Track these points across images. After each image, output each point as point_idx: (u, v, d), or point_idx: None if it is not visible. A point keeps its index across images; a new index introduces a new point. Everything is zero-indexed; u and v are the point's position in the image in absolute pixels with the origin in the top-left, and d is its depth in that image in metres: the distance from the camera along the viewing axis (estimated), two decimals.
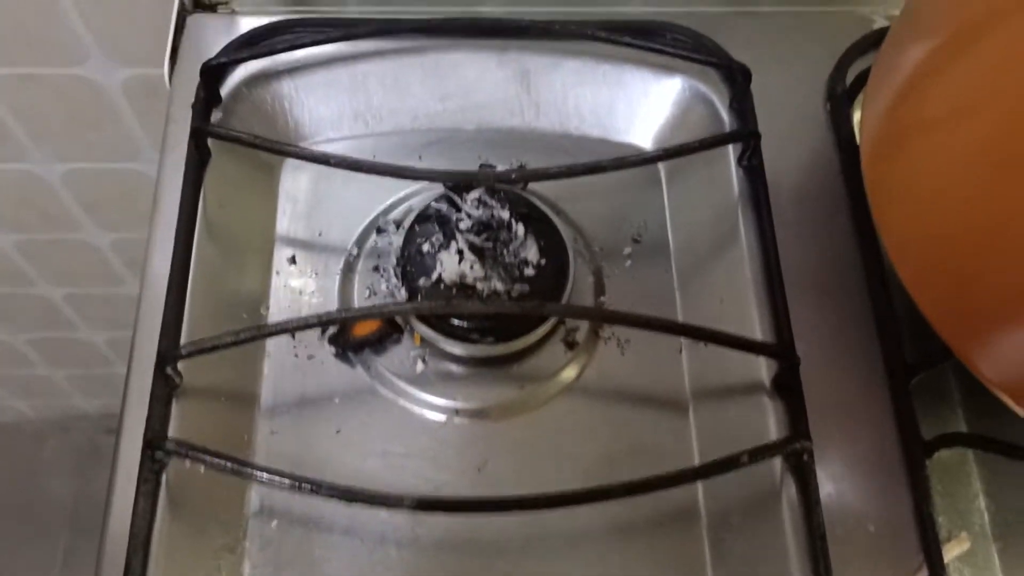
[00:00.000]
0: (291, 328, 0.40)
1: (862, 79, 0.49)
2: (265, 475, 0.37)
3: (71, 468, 1.37)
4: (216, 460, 0.37)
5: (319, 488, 0.37)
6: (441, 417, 0.44)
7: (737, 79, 0.47)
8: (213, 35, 0.50)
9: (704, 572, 0.42)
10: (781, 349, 0.41)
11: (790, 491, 0.40)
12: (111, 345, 1.16)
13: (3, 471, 1.36)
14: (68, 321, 1.09)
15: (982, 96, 0.34)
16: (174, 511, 0.39)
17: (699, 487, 0.43)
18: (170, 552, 0.38)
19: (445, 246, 0.43)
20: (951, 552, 0.40)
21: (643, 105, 0.50)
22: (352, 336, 0.44)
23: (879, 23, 0.52)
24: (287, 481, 0.37)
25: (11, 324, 1.09)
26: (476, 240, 0.43)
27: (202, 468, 0.40)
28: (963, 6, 0.36)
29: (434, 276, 0.43)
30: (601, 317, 0.44)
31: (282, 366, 0.45)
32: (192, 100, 0.47)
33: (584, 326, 0.45)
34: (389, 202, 0.48)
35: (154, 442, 0.38)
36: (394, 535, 0.41)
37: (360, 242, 0.47)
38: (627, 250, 0.48)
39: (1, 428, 1.37)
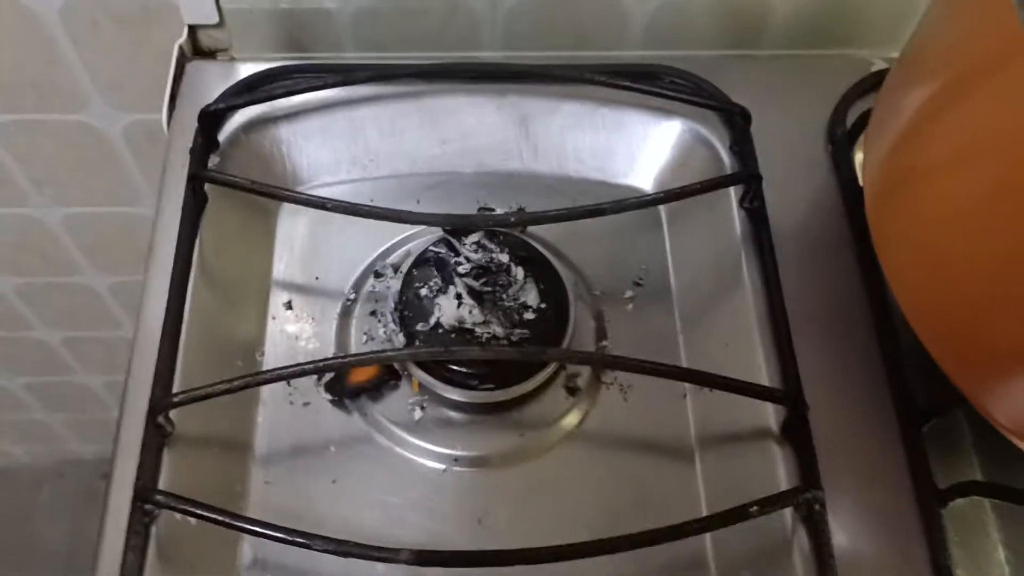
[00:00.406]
0: (285, 376, 0.39)
1: (863, 121, 0.48)
2: (257, 528, 0.36)
3: (66, 513, 1.36)
4: (207, 514, 0.36)
5: (312, 542, 0.36)
6: (440, 466, 0.43)
7: (737, 122, 0.47)
8: (212, 81, 0.50)
9: None
10: (789, 395, 0.40)
11: (802, 542, 0.39)
12: (108, 389, 1.15)
13: (2, 515, 1.35)
14: (66, 365, 1.08)
15: (982, 141, 0.34)
16: (164, 563, 0.38)
17: (707, 538, 0.42)
18: None
19: (443, 290, 0.43)
20: None
21: (643, 148, 0.50)
22: (349, 383, 0.43)
23: (877, 65, 0.52)
24: (279, 535, 0.36)
25: (9, 368, 1.09)
26: (475, 284, 0.42)
27: (192, 520, 0.39)
28: (960, 51, 0.35)
29: (432, 321, 0.42)
30: (603, 363, 0.43)
31: (277, 414, 0.44)
32: (190, 145, 0.46)
33: (586, 371, 0.45)
34: (387, 246, 0.48)
35: (144, 493, 0.37)
36: None
37: (357, 286, 0.46)
38: (629, 293, 0.47)
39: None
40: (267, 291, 0.47)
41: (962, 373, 0.37)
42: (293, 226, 0.49)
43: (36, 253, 0.86)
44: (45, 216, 0.80)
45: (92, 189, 0.77)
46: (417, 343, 0.42)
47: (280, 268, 0.47)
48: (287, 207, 0.49)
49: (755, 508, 0.37)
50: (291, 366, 0.39)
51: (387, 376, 0.43)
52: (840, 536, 0.39)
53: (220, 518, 0.36)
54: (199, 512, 0.36)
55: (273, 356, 0.45)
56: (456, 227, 0.43)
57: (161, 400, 0.38)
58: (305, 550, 0.38)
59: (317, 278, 0.47)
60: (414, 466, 0.43)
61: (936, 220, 0.37)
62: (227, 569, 0.40)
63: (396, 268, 0.46)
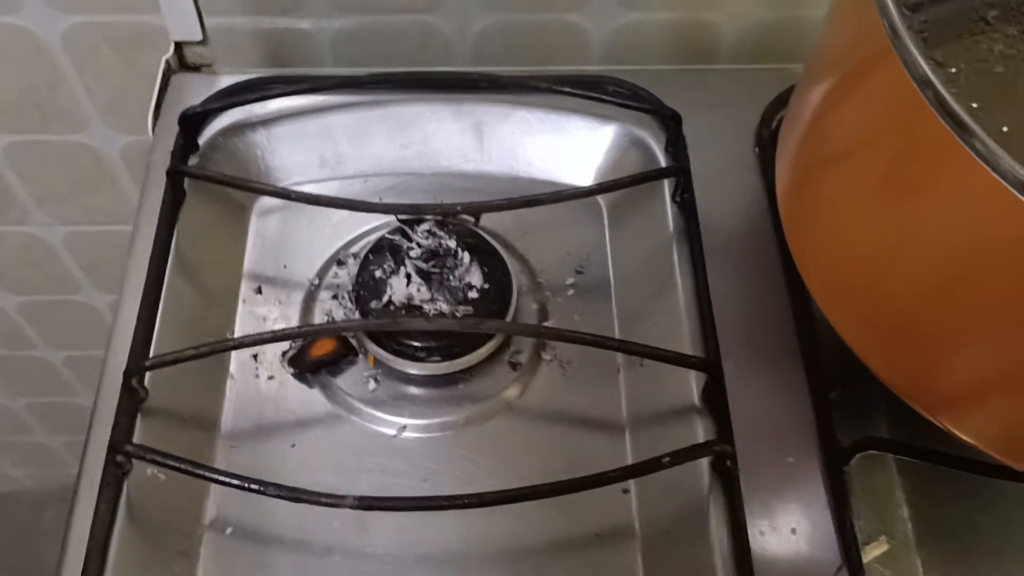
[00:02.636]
0: (248, 343, 0.43)
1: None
2: (218, 476, 0.40)
3: None
4: (173, 463, 0.40)
5: (266, 488, 0.40)
6: (391, 432, 0.46)
7: (670, 124, 0.52)
8: (195, 92, 0.55)
9: None
10: (708, 363, 0.44)
11: (717, 498, 0.43)
12: None
13: (4, 540, 1.37)
14: (67, 385, 1.11)
15: (863, 134, 0.38)
16: (133, 518, 0.42)
17: (633, 503, 0.46)
18: (127, 555, 0.41)
19: (395, 272, 0.47)
20: (870, 554, 0.42)
21: (586, 150, 0.54)
22: (309, 357, 0.47)
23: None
24: (237, 483, 0.40)
25: (12, 388, 1.12)
26: (424, 266, 0.47)
27: (161, 477, 0.43)
28: (842, 58, 0.40)
29: (384, 299, 0.46)
30: (536, 333, 0.47)
31: (244, 387, 0.48)
32: (170, 149, 0.51)
33: (527, 349, 0.49)
34: (349, 239, 0.52)
35: (117, 445, 0.40)
36: (341, 545, 0.43)
37: (321, 274, 0.51)
38: (570, 280, 0.51)
39: (2, 498, 1.39)
40: (238, 278, 0.51)
41: (860, 340, 0.41)
42: (264, 221, 0.53)
43: (38, 271, 0.89)
44: (46, 234, 0.84)
45: (91, 208, 0.81)
46: (370, 319, 0.46)
47: (252, 258, 0.52)
48: (259, 204, 0.54)
49: (667, 459, 0.41)
50: (253, 335, 0.43)
51: (345, 351, 0.47)
52: (752, 492, 0.43)
53: (185, 467, 0.40)
54: (167, 462, 0.40)
55: (242, 335, 0.49)
56: (407, 214, 0.47)
57: (136, 364, 0.43)
58: (265, 511, 0.42)
59: (285, 266, 0.51)
60: (368, 432, 0.46)
61: (831, 205, 0.41)
62: (191, 525, 0.44)
63: (356, 256, 0.50)
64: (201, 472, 0.40)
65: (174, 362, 0.42)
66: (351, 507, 0.40)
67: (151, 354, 0.45)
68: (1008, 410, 0.38)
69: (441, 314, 0.46)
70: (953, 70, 0.32)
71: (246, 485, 0.40)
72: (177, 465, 0.40)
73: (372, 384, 0.47)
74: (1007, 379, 0.37)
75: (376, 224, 0.52)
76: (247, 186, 0.49)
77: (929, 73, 0.30)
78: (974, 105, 0.30)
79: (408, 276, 0.46)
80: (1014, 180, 0.29)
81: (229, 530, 0.44)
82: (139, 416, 0.44)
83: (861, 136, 0.38)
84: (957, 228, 0.34)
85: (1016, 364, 0.36)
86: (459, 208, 0.47)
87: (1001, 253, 0.33)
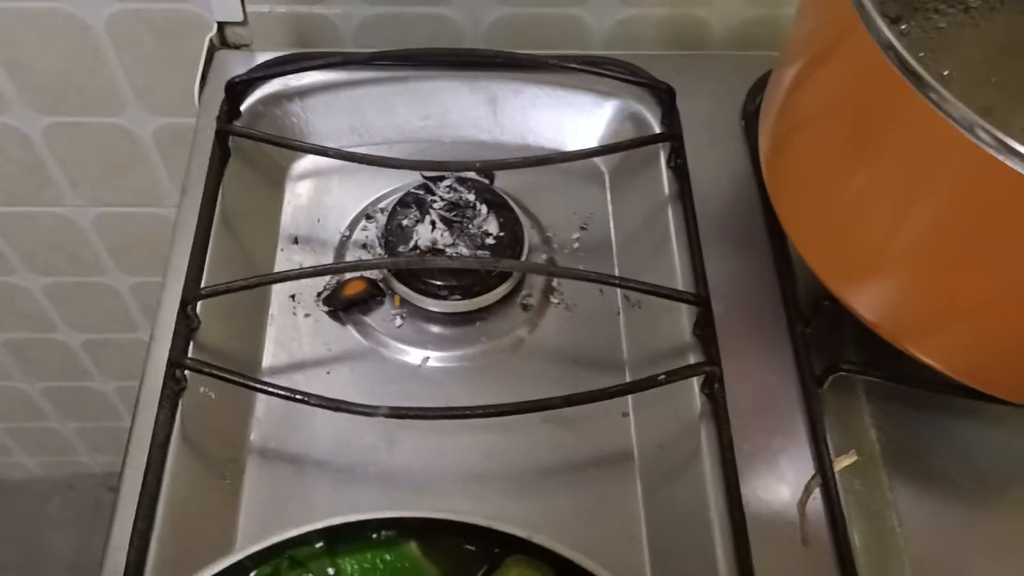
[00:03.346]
0: (291, 276, 0.49)
1: None
2: (268, 387, 0.45)
3: (74, 524, 1.41)
4: (228, 375, 0.46)
5: (310, 398, 0.45)
6: (415, 363, 0.52)
7: (665, 98, 0.58)
8: (235, 66, 0.61)
9: (636, 495, 0.49)
10: (698, 298, 0.50)
11: (707, 419, 0.48)
12: (121, 396, 1.21)
13: (9, 527, 1.41)
14: (84, 370, 1.15)
15: (823, 109, 0.45)
16: (186, 431, 0.47)
17: (632, 428, 0.51)
18: (183, 460, 0.46)
19: (421, 220, 0.53)
20: (840, 463, 0.47)
21: (589, 123, 0.60)
22: (342, 296, 0.53)
23: None
24: (284, 392, 0.45)
25: (31, 372, 1.15)
26: (447, 215, 0.52)
27: (212, 395, 0.48)
28: (813, 33, 0.46)
29: (411, 243, 0.52)
30: (547, 272, 0.53)
31: (282, 325, 0.53)
32: (216, 114, 0.57)
33: (537, 292, 0.54)
34: (376, 196, 0.58)
35: (177, 360, 0.46)
36: (373, 458, 0.49)
37: (352, 226, 0.56)
38: (575, 235, 0.57)
39: (9, 485, 1.42)
40: (277, 229, 0.57)
41: (831, 276, 0.47)
42: (299, 184, 0.59)
43: (65, 253, 0.94)
44: (78, 216, 0.89)
45: (121, 189, 0.85)
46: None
47: (288, 212, 0.57)
48: (295, 168, 0.59)
49: (663, 376, 0.46)
50: (295, 270, 0.49)
51: (374, 292, 0.53)
52: (737, 411, 0.48)
53: (239, 379, 0.46)
54: (222, 375, 0.46)
55: None
56: (431, 171, 0.53)
57: (191, 293, 0.48)
58: (303, 428, 0.47)
59: (319, 220, 0.57)
60: (394, 363, 0.52)
61: (805, 163, 0.47)
62: (238, 439, 0.49)
63: (384, 211, 0.56)
64: (253, 384, 0.46)
65: (227, 291, 0.48)
66: (384, 415, 0.45)
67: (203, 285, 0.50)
68: (964, 333, 0.44)
69: (461, 256, 0.51)
70: (903, 27, 0.38)
71: (292, 396, 0.45)
72: (231, 377, 0.45)
73: (398, 321, 0.53)
74: (961, 305, 0.43)
75: (400, 185, 0.58)
76: (289, 144, 0.54)
77: (892, 39, 0.36)
78: (921, 55, 0.36)
79: (432, 223, 0.52)
80: (963, 121, 0.35)
81: (272, 444, 0.49)
82: (191, 345, 0.49)
83: (831, 97, 0.44)
84: (915, 168, 0.40)
85: (967, 291, 0.42)
86: (478, 165, 0.53)
87: (952, 187, 0.39)
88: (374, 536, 0.32)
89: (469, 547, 0.33)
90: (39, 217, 0.89)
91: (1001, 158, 0.34)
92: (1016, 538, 0.47)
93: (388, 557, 0.32)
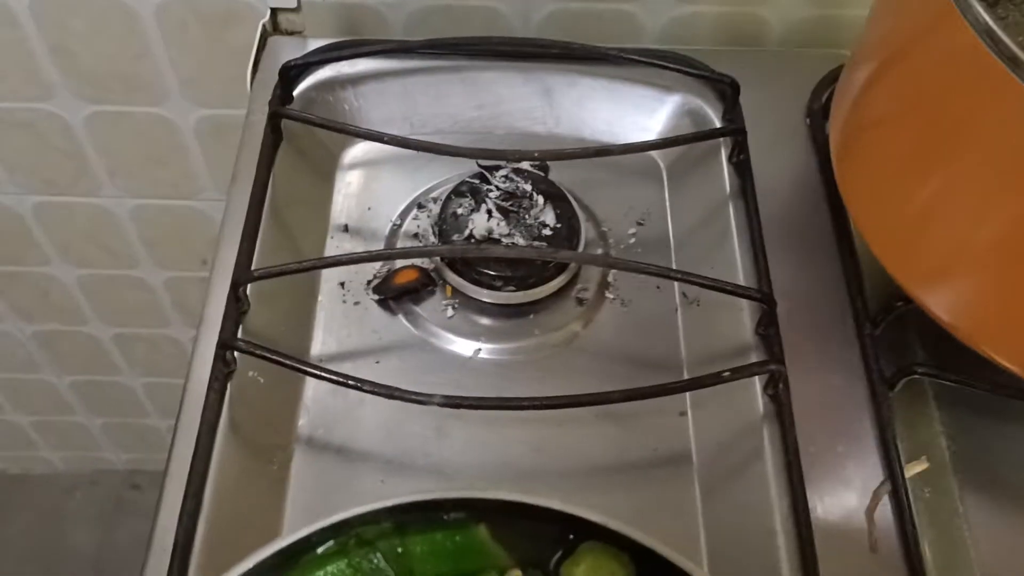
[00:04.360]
0: (344, 261, 0.48)
1: (832, 97, 0.57)
2: (320, 372, 0.44)
3: (96, 520, 1.41)
4: (278, 358, 0.44)
5: (362, 384, 0.44)
6: (466, 354, 0.50)
7: (727, 92, 0.56)
8: (288, 52, 0.60)
9: (694, 496, 0.47)
10: (762, 294, 0.48)
11: (770, 420, 0.47)
12: (148, 392, 1.21)
13: (32, 521, 1.40)
14: (113, 364, 1.14)
15: (905, 102, 0.43)
16: (235, 418, 0.46)
17: (690, 427, 0.49)
18: (232, 444, 0.45)
19: (476, 209, 0.51)
20: (912, 470, 0.45)
21: (648, 117, 0.59)
22: (393, 284, 0.51)
23: None
24: (337, 378, 0.44)
25: (60, 365, 1.15)
26: (504, 204, 0.51)
27: (261, 380, 0.47)
28: (896, 28, 0.45)
29: (466, 232, 0.51)
30: (605, 263, 0.52)
31: (331, 312, 0.52)
32: (269, 98, 0.56)
33: (592, 286, 0.53)
34: (430, 185, 0.57)
35: (227, 341, 0.45)
36: (422, 448, 0.47)
37: (403, 215, 0.55)
38: (632, 230, 0.56)
39: (33, 479, 1.42)
40: (327, 216, 0.55)
41: (907, 275, 0.46)
42: (350, 171, 0.58)
43: (100, 244, 0.94)
44: (114, 207, 0.89)
45: (159, 180, 0.85)
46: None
47: (339, 200, 0.56)
48: (346, 155, 0.58)
49: (727, 373, 0.45)
50: (347, 255, 0.48)
51: (426, 282, 0.52)
52: (802, 413, 0.46)
53: (290, 362, 0.44)
54: (272, 357, 0.44)
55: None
56: (487, 159, 0.52)
57: (243, 275, 0.47)
58: (350, 415, 0.46)
59: (369, 208, 0.56)
60: (445, 353, 0.51)
61: (884, 157, 0.46)
62: (287, 426, 0.48)
63: (436, 200, 0.55)
64: (305, 367, 0.44)
65: (280, 274, 0.47)
66: (438, 404, 0.44)
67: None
68: None
69: (517, 246, 0.50)
70: (1000, 11, 0.36)
71: (345, 381, 0.44)
72: (282, 360, 0.44)
73: (450, 311, 0.51)
74: None
75: (451, 175, 0.56)
76: (343, 129, 0.53)
77: (990, 22, 0.35)
78: (1021, 39, 0.35)
79: (489, 212, 0.51)
80: None
81: (320, 432, 0.47)
82: (240, 329, 0.48)
83: (916, 89, 0.43)
84: (1005, 159, 0.39)
85: None
86: (536, 154, 0.52)
87: None
88: (444, 518, 0.31)
89: (540, 532, 0.31)
90: (76, 207, 0.89)
91: None
92: None
93: (457, 539, 0.31)
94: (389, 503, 0.30)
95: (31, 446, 1.33)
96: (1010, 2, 0.36)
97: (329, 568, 0.30)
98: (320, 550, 0.30)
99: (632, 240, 0.55)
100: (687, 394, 0.50)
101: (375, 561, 0.30)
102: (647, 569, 0.30)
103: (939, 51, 0.39)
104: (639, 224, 0.56)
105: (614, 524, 0.30)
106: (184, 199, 0.88)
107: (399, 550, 0.30)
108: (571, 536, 0.31)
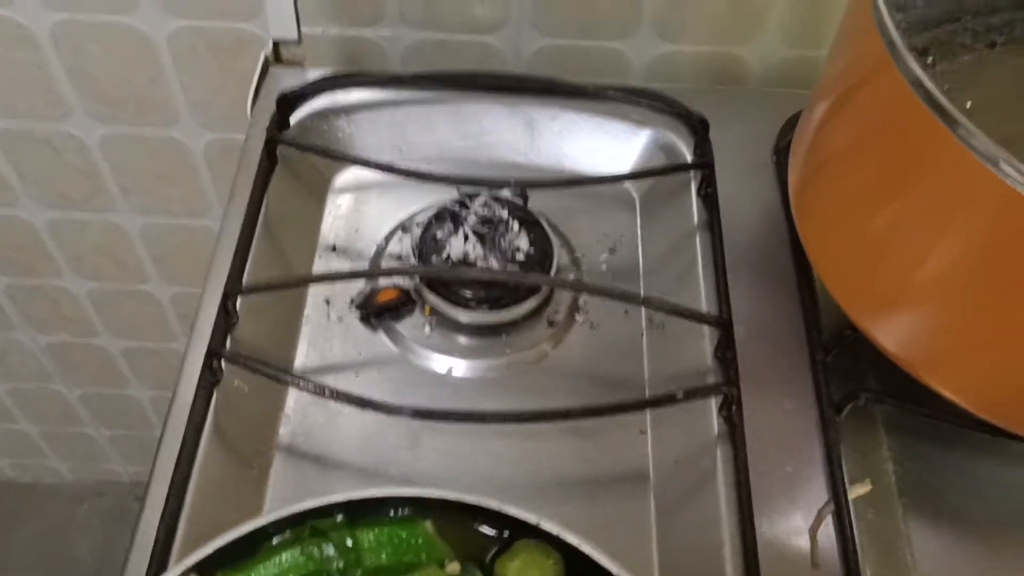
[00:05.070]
0: (329, 277, 0.51)
1: None
2: (300, 381, 0.47)
3: (100, 530, 1.44)
4: (263, 368, 0.47)
5: (338, 395, 0.47)
6: (441, 371, 0.53)
7: (698, 128, 0.59)
8: (287, 82, 0.64)
9: (649, 509, 0.50)
10: (720, 320, 0.51)
11: (723, 441, 0.49)
12: (154, 405, 1.24)
13: (37, 530, 1.43)
14: (122, 376, 1.18)
15: (852, 144, 0.46)
16: (219, 422, 0.49)
17: (649, 445, 0.52)
18: (215, 450, 0.48)
19: (454, 233, 0.54)
20: (855, 492, 0.48)
21: (623, 150, 0.62)
22: (375, 303, 0.54)
23: None
24: (314, 386, 0.47)
25: (70, 376, 1.18)
26: (480, 229, 0.54)
27: (245, 388, 0.50)
28: (841, 77, 0.47)
29: (444, 254, 0.54)
30: (573, 287, 0.55)
31: (316, 327, 0.55)
32: (267, 124, 0.60)
33: (563, 309, 0.56)
34: (414, 210, 0.60)
35: (215, 351, 0.48)
36: (395, 457, 0.50)
37: (388, 238, 0.59)
38: (604, 257, 0.59)
39: (41, 488, 1.45)
40: (316, 237, 0.59)
41: (854, 307, 0.48)
42: (341, 195, 0.61)
43: (112, 259, 0.97)
44: (126, 223, 0.92)
45: (170, 199, 0.89)
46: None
47: (328, 222, 0.60)
48: (337, 180, 0.62)
49: (681, 393, 0.47)
50: (333, 272, 0.51)
51: (405, 300, 0.55)
52: (754, 435, 0.49)
53: (272, 372, 0.47)
54: (257, 367, 0.47)
55: (319, 284, 0.57)
56: (467, 185, 0.55)
57: (233, 288, 0.50)
58: (330, 425, 0.49)
59: (357, 230, 0.59)
60: (421, 369, 0.53)
61: (837, 196, 0.49)
62: (268, 434, 0.51)
63: (419, 224, 0.58)
64: (284, 377, 0.47)
65: (267, 288, 0.50)
66: (408, 415, 0.46)
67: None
68: (985, 369, 0.45)
69: (491, 269, 0.53)
70: (929, 59, 0.39)
71: (321, 391, 0.47)
72: (265, 369, 0.47)
73: (427, 329, 0.54)
74: (983, 340, 0.43)
75: (436, 201, 0.60)
76: (333, 154, 0.57)
77: (920, 74, 0.38)
78: (947, 88, 0.38)
79: (465, 236, 0.54)
80: (987, 154, 0.36)
81: (300, 440, 0.50)
82: (228, 340, 0.51)
83: (861, 132, 0.46)
84: (940, 201, 0.41)
85: (991, 326, 0.42)
86: (513, 182, 0.55)
87: (977, 220, 0.40)
88: (392, 513, 0.34)
89: (481, 529, 0.34)
90: (89, 222, 0.93)
91: (1021, 190, 0.35)
92: None
93: (403, 534, 0.33)
94: (341, 497, 0.32)
95: (40, 455, 1.37)
96: (939, 50, 0.39)
97: (284, 555, 0.33)
98: (276, 540, 0.33)
99: (604, 267, 0.58)
100: (648, 414, 0.52)
101: (326, 550, 0.32)
102: (577, 566, 0.33)
103: (878, 97, 0.42)
104: (611, 251, 0.59)
105: (545, 524, 0.32)
106: (192, 218, 0.92)
107: (349, 542, 0.33)
108: (507, 534, 0.34)
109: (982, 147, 0.37)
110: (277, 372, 0.48)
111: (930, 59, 0.39)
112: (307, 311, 0.56)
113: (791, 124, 0.62)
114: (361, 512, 0.33)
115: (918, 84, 0.38)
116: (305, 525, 0.33)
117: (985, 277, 0.41)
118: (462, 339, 0.54)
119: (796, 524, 0.47)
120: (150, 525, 0.44)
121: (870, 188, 0.45)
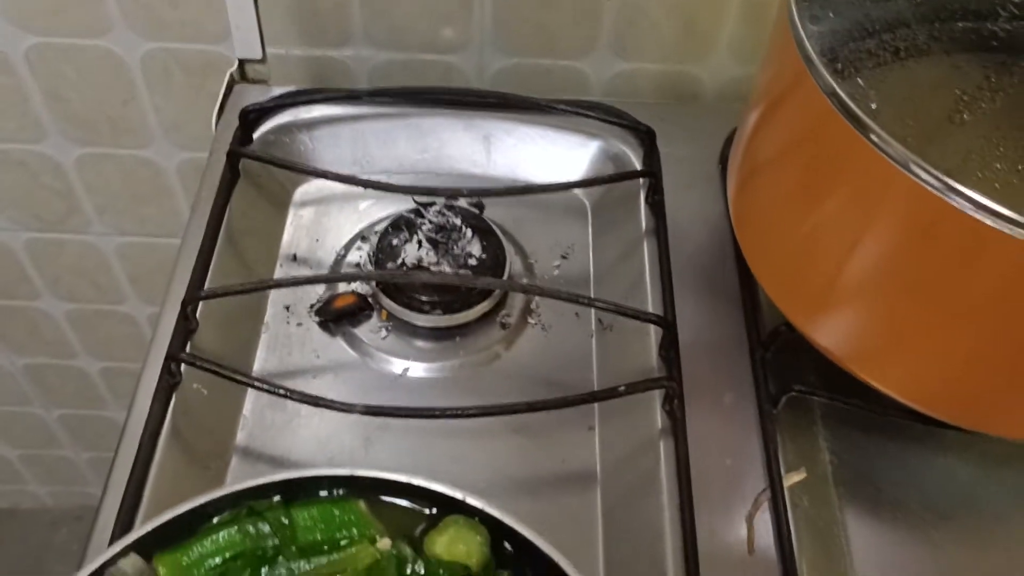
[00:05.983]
0: (285, 284, 0.53)
1: None
2: (256, 382, 0.49)
3: (78, 556, 1.43)
4: (219, 369, 0.49)
5: (292, 394, 0.49)
6: (398, 372, 0.55)
7: (645, 139, 0.62)
8: (252, 99, 0.66)
9: (595, 502, 0.51)
10: (664, 320, 0.53)
11: (667, 435, 0.51)
12: None
13: (16, 555, 1.43)
14: (100, 398, 1.18)
15: (779, 151, 0.49)
16: (178, 424, 0.50)
17: (596, 440, 0.54)
18: (172, 451, 0.49)
19: (409, 240, 0.57)
20: (790, 479, 0.50)
21: (575, 160, 0.65)
22: (333, 308, 0.56)
23: None
24: (269, 387, 0.49)
25: (48, 398, 1.19)
26: (434, 236, 0.56)
27: (204, 391, 0.52)
28: (764, 93, 0.50)
29: (399, 260, 0.56)
30: (523, 289, 0.57)
31: (275, 333, 0.57)
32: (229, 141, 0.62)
33: (516, 312, 0.58)
34: (372, 220, 0.62)
35: (174, 355, 0.50)
36: (350, 457, 0.52)
37: (348, 247, 0.61)
38: (556, 262, 0.61)
39: (20, 513, 1.45)
40: (277, 247, 0.61)
41: (787, 304, 0.50)
42: (302, 207, 0.64)
43: (88, 279, 0.98)
44: (102, 243, 0.94)
45: (144, 219, 0.90)
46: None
47: (289, 232, 0.62)
48: (298, 194, 0.64)
49: (623, 388, 0.49)
50: (289, 279, 0.53)
51: (363, 306, 0.57)
52: (696, 430, 0.51)
53: (229, 374, 0.49)
54: (214, 369, 0.49)
55: (278, 292, 0.58)
56: (422, 195, 0.57)
57: (192, 295, 0.52)
58: (287, 427, 0.50)
59: (317, 240, 0.61)
60: (377, 372, 0.55)
61: (768, 203, 0.51)
62: (226, 436, 0.52)
63: (377, 233, 0.60)
64: (242, 378, 0.49)
65: (224, 294, 0.52)
66: (360, 412, 0.48)
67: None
68: (908, 360, 0.47)
69: (444, 274, 0.55)
70: (838, 66, 0.42)
71: (275, 391, 0.49)
72: (223, 372, 0.49)
73: (384, 333, 0.56)
74: (904, 333, 0.46)
75: (395, 211, 0.62)
76: (293, 167, 0.59)
77: (834, 85, 0.40)
78: (857, 97, 0.40)
79: (420, 242, 0.56)
80: (897, 156, 0.39)
81: (257, 443, 0.52)
82: (188, 345, 0.53)
83: (785, 141, 0.48)
84: (856, 203, 0.44)
85: (910, 319, 0.45)
86: (466, 191, 0.57)
87: (896, 223, 0.42)
88: (326, 494, 0.35)
89: (411, 507, 0.36)
90: (66, 243, 0.94)
91: (930, 189, 0.37)
92: (960, 564, 0.49)
93: (336, 512, 0.35)
94: (278, 477, 0.34)
95: (19, 480, 1.37)
96: (851, 63, 0.42)
97: (221, 533, 0.34)
98: (216, 519, 0.34)
99: (556, 272, 0.61)
100: (596, 410, 0.54)
101: (262, 528, 0.34)
102: (502, 539, 0.35)
103: (798, 107, 0.45)
104: (563, 258, 0.61)
105: (471, 500, 0.34)
106: (168, 237, 0.93)
107: (284, 520, 0.35)
108: (435, 511, 0.36)
109: (893, 151, 0.39)
110: (233, 373, 0.49)
111: (841, 67, 0.41)
112: (267, 318, 0.58)
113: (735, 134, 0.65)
114: (297, 493, 0.35)
115: (832, 93, 0.41)
116: (243, 506, 0.34)
117: (903, 274, 0.43)
118: (418, 342, 0.56)
119: (735, 513, 0.49)
120: (107, 524, 0.45)
121: (796, 194, 0.47)
